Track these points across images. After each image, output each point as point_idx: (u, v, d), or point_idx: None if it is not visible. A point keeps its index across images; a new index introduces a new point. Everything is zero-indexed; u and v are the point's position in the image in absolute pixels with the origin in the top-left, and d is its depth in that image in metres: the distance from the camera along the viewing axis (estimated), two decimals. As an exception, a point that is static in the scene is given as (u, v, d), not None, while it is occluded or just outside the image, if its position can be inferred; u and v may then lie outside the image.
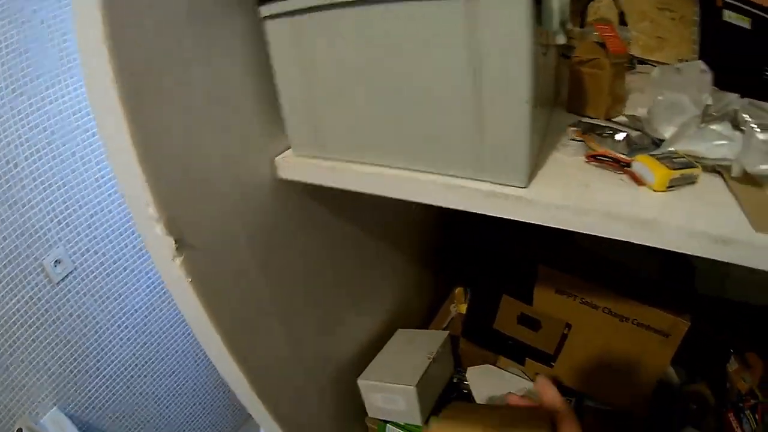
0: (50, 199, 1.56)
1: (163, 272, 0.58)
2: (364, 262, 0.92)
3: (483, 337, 0.98)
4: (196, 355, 2.22)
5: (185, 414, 2.24)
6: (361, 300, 0.94)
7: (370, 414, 0.89)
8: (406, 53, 0.49)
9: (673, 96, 0.59)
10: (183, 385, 2.18)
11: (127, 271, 1.85)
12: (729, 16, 0.79)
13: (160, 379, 2.07)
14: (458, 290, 1.18)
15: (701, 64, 0.62)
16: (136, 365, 1.96)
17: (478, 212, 0.52)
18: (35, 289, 1.57)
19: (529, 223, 0.82)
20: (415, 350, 0.91)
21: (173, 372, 2.12)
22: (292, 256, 0.72)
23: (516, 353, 0.96)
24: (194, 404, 2.27)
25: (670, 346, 0.82)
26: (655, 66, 0.87)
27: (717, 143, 0.51)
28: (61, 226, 1.61)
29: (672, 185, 0.48)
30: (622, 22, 0.86)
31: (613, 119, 0.67)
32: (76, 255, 1.67)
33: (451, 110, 0.50)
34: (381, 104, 0.54)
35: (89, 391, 1.81)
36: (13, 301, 1.52)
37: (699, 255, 0.44)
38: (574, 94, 0.69)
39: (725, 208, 0.46)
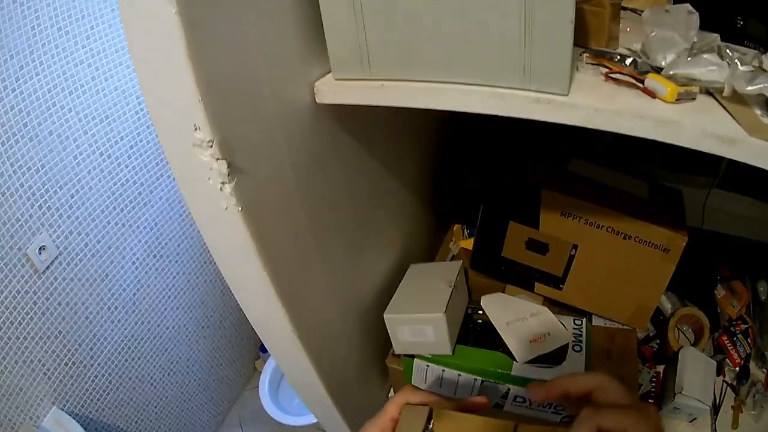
0: (29, 183, 1.51)
1: (203, 206, 0.56)
2: (381, 194, 0.94)
3: (492, 267, 1.02)
4: (187, 330, 2.21)
5: (182, 393, 2.24)
6: (377, 233, 0.95)
7: (397, 350, 0.90)
8: None
9: (664, 32, 0.68)
10: (176, 363, 2.18)
11: (112, 249, 1.81)
12: None
13: (154, 360, 2.06)
14: (456, 227, 1.22)
15: (688, 7, 0.71)
16: (129, 348, 1.94)
17: (526, 117, 0.57)
18: (22, 281, 1.52)
19: (525, 152, 0.88)
20: (434, 281, 0.92)
21: (166, 350, 2.11)
22: (324, 185, 0.73)
23: (525, 280, 1.00)
24: (189, 381, 2.27)
25: (670, 261, 0.87)
26: (633, 12, 0.94)
27: (709, 68, 0.60)
28: (42, 210, 1.56)
29: (679, 98, 0.57)
30: None
31: (614, 51, 0.73)
32: (60, 239, 1.62)
33: (501, 23, 0.54)
34: (431, 19, 0.56)
35: (86, 383, 1.79)
36: (1, 297, 1.47)
37: (713, 152, 0.53)
38: (577, 28, 0.75)
39: (722, 118, 0.55)
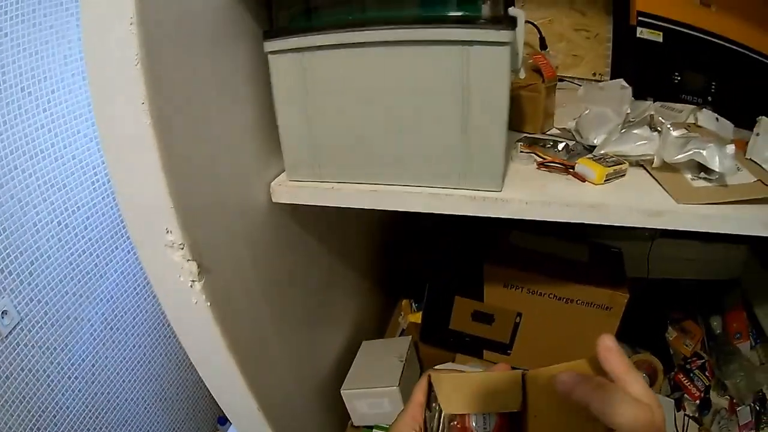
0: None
1: (174, 301, 0.59)
2: (331, 278, 0.98)
3: (440, 339, 1.06)
4: (145, 402, 2.16)
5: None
6: (331, 314, 0.99)
7: (356, 422, 0.93)
8: (405, 86, 0.59)
9: (598, 109, 0.73)
10: None
11: (70, 319, 1.78)
12: (642, 32, 0.90)
13: (115, 431, 2.01)
14: (404, 302, 1.26)
15: (622, 82, 0.76)
16: (90, 418, 1.88)
17: (463, 214, 0.62)
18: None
19: (468, 230, 0.92)
20: (386, 356, 0.96)
21: (125, 422, 2.05)
22: (282, 274, 0.77)
23: (474, 348, 1.04)
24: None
25: (614, 318, 0.92)
26: (572, 82, 1.00)
27: (638, 143, 0.65)
28: (4, 274, 1.53)
29: (608, 179, 0.62)
30: (543, 45, 0.97)
31: (547, 132, 0.79)
32: (21, 305, 1.59)
33: (442, 133, 0.60)
34: (378, 130, 0.62)
35: (51, 449, 1.72)
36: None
37: (639, 226, 0.58)
38: (514, 114, 0.80)
39: (651, 190, 0.61)
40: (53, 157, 1.66)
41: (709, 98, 0.87)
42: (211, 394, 0.70)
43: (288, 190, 0.69)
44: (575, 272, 0.94)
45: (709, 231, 0.56)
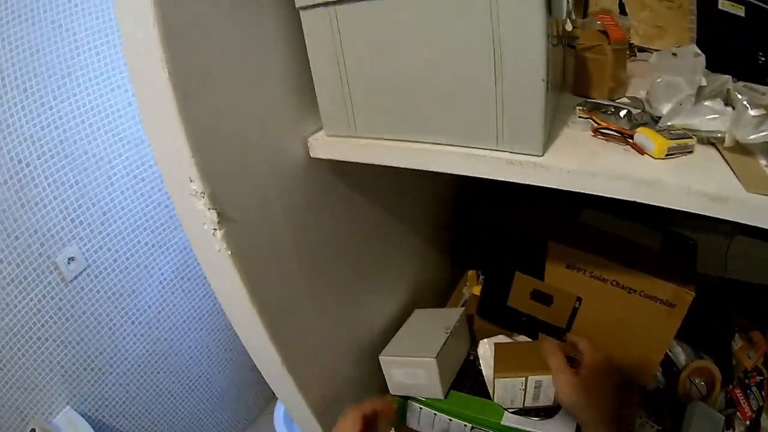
0: (62, 197, 1.58)
1: (201, 247, 0.61)
2: (384, 241, 0.96)
3: (497, 315, 1.01)
4: (210, 350, 2.24)
5: (199, 410, 2.26)
6: (381, 280, 0.97)
7: (392, 391, 0.91)
8: (433, 34, 0.54)
9: (670, 78, 0.65)
10: (196, 381, 2.20)
11: (140, 267, 1.87)
12: (724, 4, 0.83)
13: (174, 376, 2.09)
14: (470, 273, 1.21)
15: (695, 48, 0.68)
16: (150, 362, 1.98)
17: (499, 179, 0.57)
18: (48, 287, 1.59)
19: (538, 202, 0.87)
20: (432, 326, 0.94)
21: (186, 368, 2.14)
22: (321, 234, 0.76)
23: (529, 329, 0.99)
24: (208, 400, 2.28)
25: (676, 317, 0.84)
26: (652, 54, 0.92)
27: (710, 117, 0.57)
28: (75, 224, 1.63)
29: (671, 153, 0.54)
30: (623, 12, 0.90)
31: (616, 100, 0.72)
32: (89, 253, 1.69)
33: (473, 87, 0.55)
34: (409, 84, 0.58)
35: (103, 389, 1.83)
36: (27, 299, 1.54)
37: (698, 212, 0.49)
38: (579, 78, 0.74)
39: (720, 172, 0.52)
40: (129, 115, 1.74)
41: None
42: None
43: (324, 146, 0.68)
44: (643, 260, 0.87)
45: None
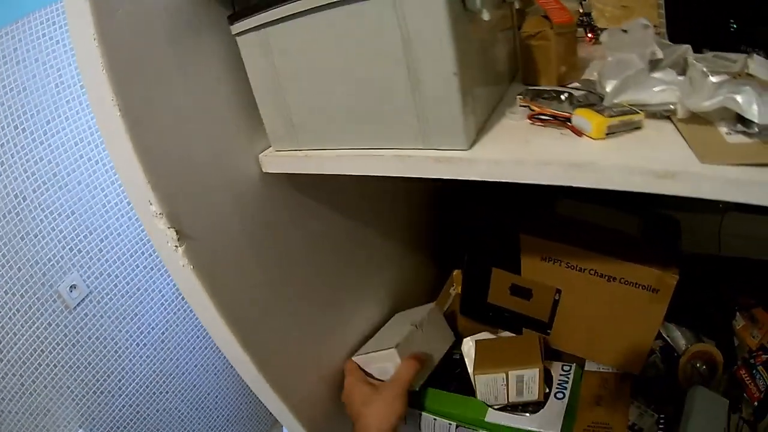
0: (60, 227, 1.62)
1: (168, 262, 0.64)
2: (361, 249, 0.96)
3: (479, 312, 1.01)
4: (216, 368, 2.26)
5: (210, 428, 2.27)
6: (362, 286, 0.97)
7: (372, 391, 0.91)
8: (350, 47, 0.57)
9: (622, 55, 0.62)
10: (205, 399, 2.22)
11: (141, 290, 1.90)
12: None
13: (182, 394, 2.11)
14: (456, 273, 1.19)
15: (643, 20, 0.65)
16: (157, 382, 2.00)
17: (429, 177, 0.58)
18: (53, 315, 1.63)
19: (512, 197, 0.86)
20: (404, 323, 0.93)
21: (194, 386, 2.16)
22: (287, 245, 0.78)
23: (512, 324, 0.98)
24: (218, 417, 2.30)
25: (661, 302, 0.82)
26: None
27: (658, 89, 0.54)
28: (74, 252, 1.67)
29: (612, 131, 0.51)
30: None
31: (567, 85, 0.70)
32: (90, 279, 1.72)
33: (392, 91, 0.56)
34: (339, 97, 0.61)
35: (113, 411, 1.85)
36: (33, 328, 1.57)
37: (643, 191, 0.46)
38: (527, 66, 0.73)
39: (672, 146, 0.48)
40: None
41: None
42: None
43: (274, 161, 0.71)
44: (621, 247, 0.85)
45: (736, 201, 0.45)
